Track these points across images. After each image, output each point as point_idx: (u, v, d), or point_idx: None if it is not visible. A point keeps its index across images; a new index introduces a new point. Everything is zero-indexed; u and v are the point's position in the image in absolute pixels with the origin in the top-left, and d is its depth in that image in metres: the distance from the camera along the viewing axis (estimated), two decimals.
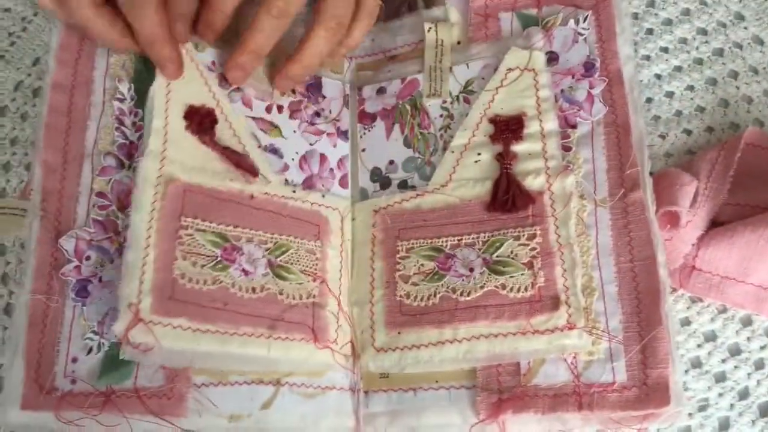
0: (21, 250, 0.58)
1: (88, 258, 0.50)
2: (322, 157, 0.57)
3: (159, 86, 0.52)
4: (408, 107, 0.57)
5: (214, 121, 0.53)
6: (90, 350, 0.48)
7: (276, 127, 0.56)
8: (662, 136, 0.59)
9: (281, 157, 0.56)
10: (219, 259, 0.50)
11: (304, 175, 0.56)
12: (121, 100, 0.53)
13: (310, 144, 0.57)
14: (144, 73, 0.54)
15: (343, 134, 0.58)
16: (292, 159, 0.56)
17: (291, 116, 0.57)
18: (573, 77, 0.54)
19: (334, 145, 0.58)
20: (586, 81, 0.54)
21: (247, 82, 0.55)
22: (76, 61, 0.55)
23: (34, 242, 0.50)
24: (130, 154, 0.52)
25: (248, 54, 0.52)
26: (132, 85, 0.54)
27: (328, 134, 0.58)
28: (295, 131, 0.57)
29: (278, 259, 0.52)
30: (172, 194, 0.50)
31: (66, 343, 0.48)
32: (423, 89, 0.57)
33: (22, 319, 0.49)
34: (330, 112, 0.58)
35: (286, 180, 0.55)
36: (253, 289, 0.50)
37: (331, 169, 0.57)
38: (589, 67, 0.54)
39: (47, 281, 0.50)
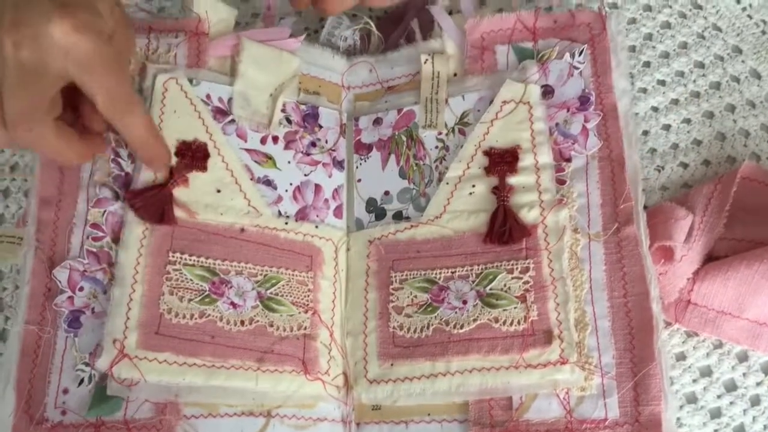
0: (18, 276, 0.59)
1: (81, 289, 0.50)
2: (317, 188, 0.57)
3: None
4: (404, 138, 0.57)
5: (207, 155, 0.54)
6: (81, 382, 0.48)
7: (270, 158, 0.57)
8: (658, 169, 0.59)
9: (275, 188, 0.56)
10: (207, 293, 0.51)
11: (298, 206, 0.56)
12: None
13: (305, 175, 0.57)
14: None
15: (339, 164, 0.58)
16: (286, 190, 0.56)
17: (286, 147, 0.57)
18: (568, 111, 0.54)
19: (330, 176, 0.58)
20: (581, 115, 0.54)
21: (243, 114, 0.56)
22: None
23: (28, 273, 0.51)
24: (125, 184, 0.53)
25: None
26: None
27: (323, 164, 0.58)
28: (289, 162, 0.57)
29: (268, 292, 0.52)
30: (161, 231, 0.51)
31: (57, 374, 0.49)
32: (419, 120, 0.57)
33: (14, 350, 0.49)
34: (326, 142, 0.59)
35: (279, 212, 0.55)
36: (242, 322, 0.51)
37: (326, 200, 0.57)
38: (584, 101, 0.54)
39: (40, 311, 0.50)
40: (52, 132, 0.46)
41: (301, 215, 0.56)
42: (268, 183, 0.56)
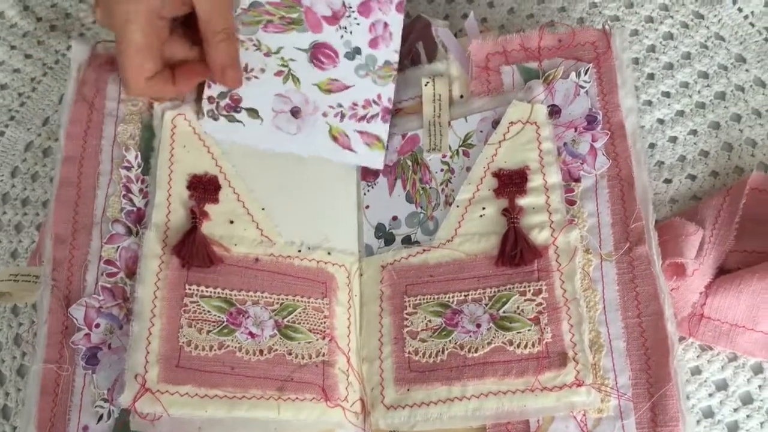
0: (33, 312, 0.59)
1: (97, 326, 0.51)
2: None
3: (162, 159, 0.54)
4: (409, 162, 0.58)
5: (218, 187, 0.55)
6: (100, 418, 0.49)
7: None
8: (667, 182, 0.59)
9: None
10: (225, 323, 0.51)
11: None
12: (128, 168, 0.55)
13: None
14: (150, 142, 0.55)
15: None
16: None
17: None
18: (575, 130, 0.54)
19: None
20: (588, 134, 0.54)
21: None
22: (85, 133, 0.56)
23: (46, 312, 0.51)
24: (138, 220, 0.54)
25: None
26: (139, 153, 0.55)
27: None
28: None
29: (285, 320, 0.52)
30: (177, 263, 0.51)
31: (77, 411, 0.49)
32: (423, 144, 0.58)
33: (34, 388, 0.49)
34: None
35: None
36: (261, 352, 0.51)
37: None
38: (591, 120, 0.54)
39: (58, 349, 0.50)
40: (145, 86, 0.53)
41: (364, 8, 0.55)
42: None
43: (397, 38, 0.58)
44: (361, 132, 0.58)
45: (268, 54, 0.57)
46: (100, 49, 0.58)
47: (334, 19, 0.56)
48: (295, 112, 0.57)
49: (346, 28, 0.56)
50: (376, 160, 0.58)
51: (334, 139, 0.57)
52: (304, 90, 0.57)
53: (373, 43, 0.57)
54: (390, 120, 0.58)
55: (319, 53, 0.57)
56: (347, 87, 0.57)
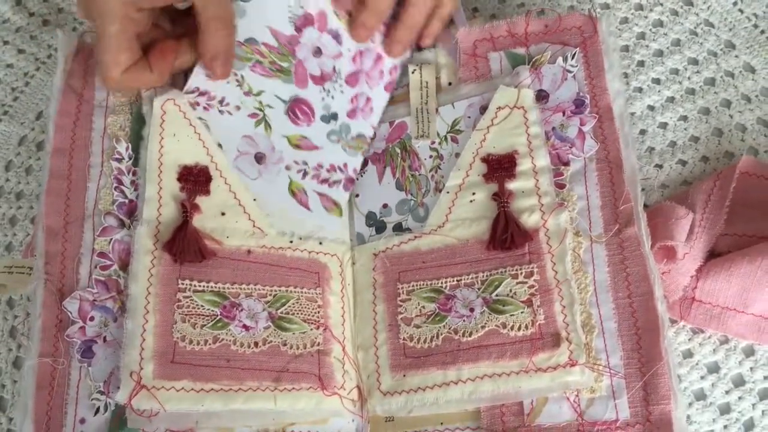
0: (29, 303, 0.59)
1: (92, 318, 0.50)
2: (378, 56, 0.57)
3: (152, 150, 0.53)
4: (398, 150, 0.58)
5: (209, 178, 0.54)
6: (97, 411, 0.49)
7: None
8: (657, 167, 0.59)
9: (340, 43, 0.56)
10: (219, 317, 0.51)
11: (354, 68, 0.56)
12: (119, 160, 0.54)
13: (371, 41, 0.58)
14: (140, 133, 0.55)
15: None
16: (349, 49, 0.56)
17: None
18: (564, 114, 0.55)
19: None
20: (576, 118, 0.54)
21: None
22: (74, 124, 0.56)
23: (39, 305, 0.51)
24: (130, 212, 0.53)
25: (406, 29, 0.57)
26: (129, 144, 0.55)
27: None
28: None
29: (279, 311, 0.52)
30: (169, 259, 0.51)
31: (73, 404, 0.49)
32: (411, 131, 0.58)
33: (30, 383, 0.49)
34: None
35: (334, 68, 0.55)
36: (255, 344, 0.51)
37: (381, 71, 0.56)
38: (579, 104, 0.55)
39: (53, 343, 0.50)
40: (121, 78, 0.51)
41: (352, 78, 0.55)
42: (337, 36, 0.56)
43: (378, 114, 0.58)
44: (320, 194, 0.57)
45: (248, 93, 0.55)
46: (88, 39, 0.58)
47: (321, 79, 0.56)
48: (259, 158, 0.56)
49: (329, 91, 0.56)
50: (331, 224, 0.57)
51: (293, 194, 0.56)
52: (274, 139, 0.56)
53: (352, 114, 0.57)
54: (351, 189, 0.58)
55: (296, 108, 0.56)
56: (316, 147, 0.57)
